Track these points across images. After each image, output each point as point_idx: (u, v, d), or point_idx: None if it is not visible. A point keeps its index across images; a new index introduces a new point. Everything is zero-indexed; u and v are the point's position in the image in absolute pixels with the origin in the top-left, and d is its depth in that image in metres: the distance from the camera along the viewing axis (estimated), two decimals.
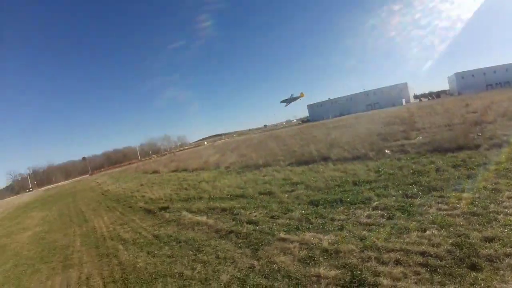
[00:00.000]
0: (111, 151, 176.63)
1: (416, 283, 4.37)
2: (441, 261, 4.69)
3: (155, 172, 37.00)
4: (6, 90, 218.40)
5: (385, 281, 4.49)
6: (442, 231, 5.56)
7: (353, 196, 8.71)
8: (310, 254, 6.00)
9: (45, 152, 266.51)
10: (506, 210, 5.92)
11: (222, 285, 5.86)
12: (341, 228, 6.78)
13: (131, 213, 15.48)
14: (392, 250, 5.28)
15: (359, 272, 4.88)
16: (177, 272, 7.01)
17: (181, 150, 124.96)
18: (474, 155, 10.57)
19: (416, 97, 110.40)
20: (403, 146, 14.08)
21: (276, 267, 5.86)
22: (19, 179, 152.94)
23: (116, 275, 8.05)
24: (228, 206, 11.17)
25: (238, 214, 9.99)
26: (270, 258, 6.33)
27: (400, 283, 4.43)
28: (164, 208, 14.00)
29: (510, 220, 5.49)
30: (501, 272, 4.14)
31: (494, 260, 4.43)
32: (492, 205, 6.26)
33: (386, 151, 13.78)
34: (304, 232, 7.17)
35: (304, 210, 8.65)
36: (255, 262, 6.34)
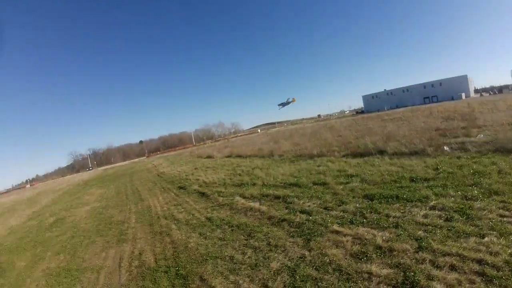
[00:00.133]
0: (167, 136, 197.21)
1: None
2: (498, 271, 4.68)
3: (209, 157, 39.28)
4: (70, 77, 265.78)
5: (438, 286, 4.57)
6: (502, 240, 5.50)
7: (410, 193, 8.71)
8: (363, 250, 6.18)
9: (105, 134, 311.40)
10: None
11: (271, 272, 6.25)
12: (396, 226, 6.88)
13: (185, 195, 16.64)
14: (448, 254, 5.33)
15: (412, 273, 5.00)
16: (227, 255, 7.58)
17: (235, 137, 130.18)
18: None
19: (476, 91, 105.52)
20: (463, 143, 13.74)
21: (328, 260, 6.13)
22: (80, 159, 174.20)
23: (168, 253, 8.85)
24: (281, 194, 11.59)
25: (291, 203, 10.37)
26: (321, 250, 6.63)
27: None
28: (218, 192, 14.74)
29: None
30: None
31: None
32: None
33: (445, 147, 13.55)
34: (358, 226, 7.37)
35: (359, 204, 8.82)
36: (307, 253, 6.68)
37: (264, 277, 6.16)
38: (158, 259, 8.69)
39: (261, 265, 6.71)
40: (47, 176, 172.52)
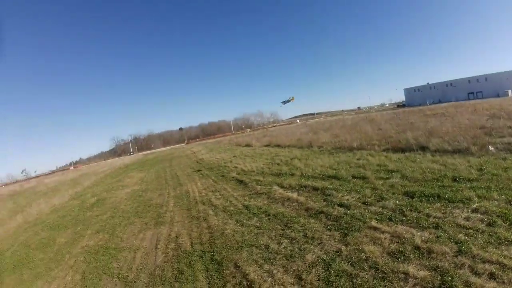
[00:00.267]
0: (206, 124, 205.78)
1: None
2: None
3: (247, 145, 40.41)
4: (115, 65, 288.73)
5: None
6: None
7: (452, 193, 8.59)
8: (400, 249, 6.24)
9: (146, 121, 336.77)
10: None
11: (306, 264, 6.48)
12: (436, 227, 6.86)
13: (223, 182, 17.28)
14: (488, 261, 5.25)
15: (449, 278, 4.98)
16: (263, 244, 7.91)
17: (274, 126, 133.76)
18: None
19: None
20: (509, 144, 13.17)
21: (364, 256, 6.26)
22: (122, 144, 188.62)
23: (204, 238, 9.32)
24: (320, 186, 11.79)
25: (329, 195, 10.55)
26: (358, 245, 6.78)
27: None
28: (256, 181, 15.11)
29: None
30: None
31: None
32: None
33: (490, 147, 13.06)
34: (397, 224, 7.44)
35: (399, 201, 8.83)
36: (343, 247, 6.86)
37: (299, 269, 6.38)
38: (194, 243, 9.18)
39: (296, 256, 6.94)
40: (90, 159, 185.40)
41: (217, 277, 6.89)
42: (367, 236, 7.14)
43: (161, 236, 10.45)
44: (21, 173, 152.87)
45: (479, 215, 7.10)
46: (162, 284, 7.23)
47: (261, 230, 8.88)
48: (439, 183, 9.72)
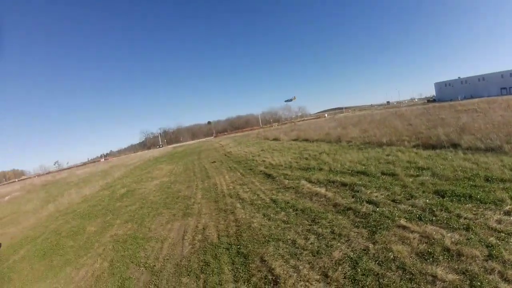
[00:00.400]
0: (234, 117, 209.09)
1: None
2: None
3: (275, 139, 40.95)
4: (145, 60, 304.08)
5: None
6: None
7: (484, 193, 8.47)
8: (429, 250, 6.19)
9: (175, 115, 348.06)
10: None
11: (333, 261, 6.60)
12: (467, 228, 6.80)
13: (251, 175, 17.66)
14: None
15: (479, 283, 4.93)
16: (290, 239, 8.10)
17: (302, 121, 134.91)
18: None
19: None
20: None
21: (392, 256, 6.31)
22: (151, 137, 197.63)
23: (231, 230, 9.61)
24: (348, 182, 11.87)
25: (358, 192, 10.63)
26: (386, 244, 6.84)
27: None
28: (284, 175, 15.33)
29: None
30: None
31: None
32: None
33: None
34: (426, 224, 7.43)
35: (429, 200, 8.79)
36: (370, 245, 6.95)
37: (325, 266, 6.52)
38: (221, 235, 9.48)
39: (323, 252, 7.08)
40: (120, 152, 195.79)
41: (242, 270, 7.09)
42: (396, 235, 7.17)
43: (188, 227, 10.81)
44: (54, 164, 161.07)
45: (511, 218, 7.03)
46: (188, 275, 7.50)
47: (288, 225, 9.06)
48: (471, 183, 9.60)
